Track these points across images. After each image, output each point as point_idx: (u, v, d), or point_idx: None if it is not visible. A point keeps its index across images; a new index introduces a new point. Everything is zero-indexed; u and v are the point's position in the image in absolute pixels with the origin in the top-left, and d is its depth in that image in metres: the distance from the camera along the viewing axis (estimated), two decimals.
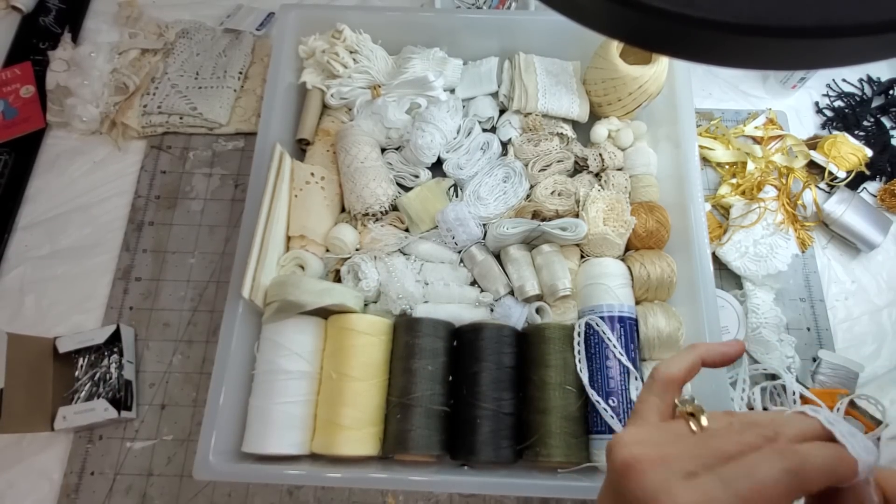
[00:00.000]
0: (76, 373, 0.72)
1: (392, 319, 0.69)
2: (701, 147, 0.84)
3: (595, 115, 0.83)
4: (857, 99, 0.91)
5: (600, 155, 0.78)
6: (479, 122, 0.83)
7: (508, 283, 0.73)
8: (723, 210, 0.84)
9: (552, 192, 0.77)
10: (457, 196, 0.80)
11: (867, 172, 0.85)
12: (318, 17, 0.83)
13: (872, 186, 0.86)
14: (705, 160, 0.86)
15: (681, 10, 0.18)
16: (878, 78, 0.92)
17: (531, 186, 0.78)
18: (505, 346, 0.66)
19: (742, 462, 0.27)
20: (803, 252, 0.80)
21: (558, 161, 0.79)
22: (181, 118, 0.87)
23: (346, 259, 0.73)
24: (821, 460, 0.27)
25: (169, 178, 0.86)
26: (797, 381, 0.73)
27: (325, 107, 0.85)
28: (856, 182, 0.85)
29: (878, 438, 0.67)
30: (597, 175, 0.79)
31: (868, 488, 0.28)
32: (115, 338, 0.72)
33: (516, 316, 0.71)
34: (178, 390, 0.74)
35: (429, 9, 0.94)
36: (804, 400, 0.69)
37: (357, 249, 0.75)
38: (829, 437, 0.28)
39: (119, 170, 0.86)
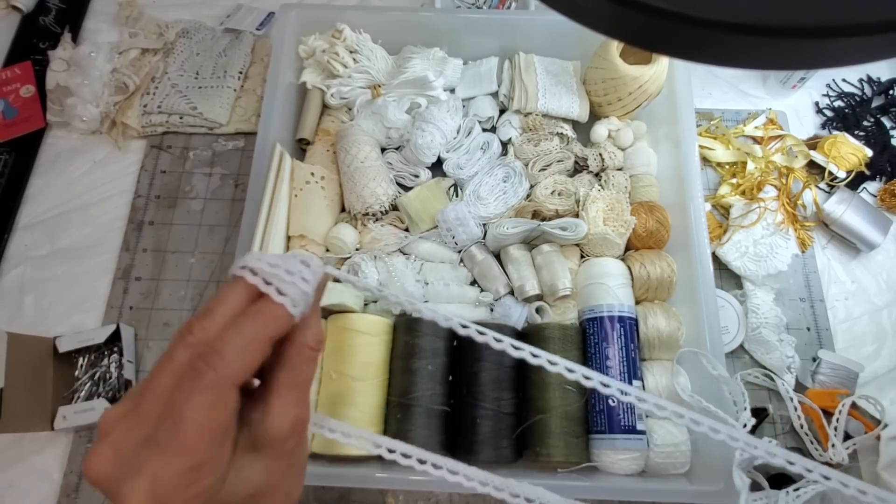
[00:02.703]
0: (76, 372, 0.72)
1: (392, 319, 0.69)
2: (701, 147, 0.85)
3: (595, 115, 0.83)
4: (857, 99, 0.91)
5: (600, 155, 0.78)
6: (479, 122, 0.83)
7: (508, 283, 0.73)
8: (723, 210, 0.84)
9: (552, 192, 0.77)
10: (457, 196, 0.80)
11: (867, 172, 0.85)
12: (318, 16, 0.83)
13: (872, 186, 0.86)
14: (705, 160, 0.86)
15: (681, 10, 0.18)
16: (878, 78, 0.92)
17: (531, 186, 0.78)
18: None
19: (168, 414, 0.25)
20: (803, 252, 0.80)
21: (558, 161, 0.79)
22: (181, 118, 0.87)
23: (346, 259, 0.73)
24: (245, 343, 0.26)
25: (169, 177, 0.86)
26: (797, 380, 0.73)
27: (325, 107, 0.85)
28: (856, 182, 0.85)
29: (878, 438, 0.68)
30: (597, 175, 0.79)
31: (306, 320, 0.29)
32: (115, 337, 0.72)
33: (516, 316, 0.71)
34: None
35: (429, 9, 0.94)
36: (802, 404, 0.69)
37: (357, 249, 0.75)
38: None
39: (119, 169, 0.86)
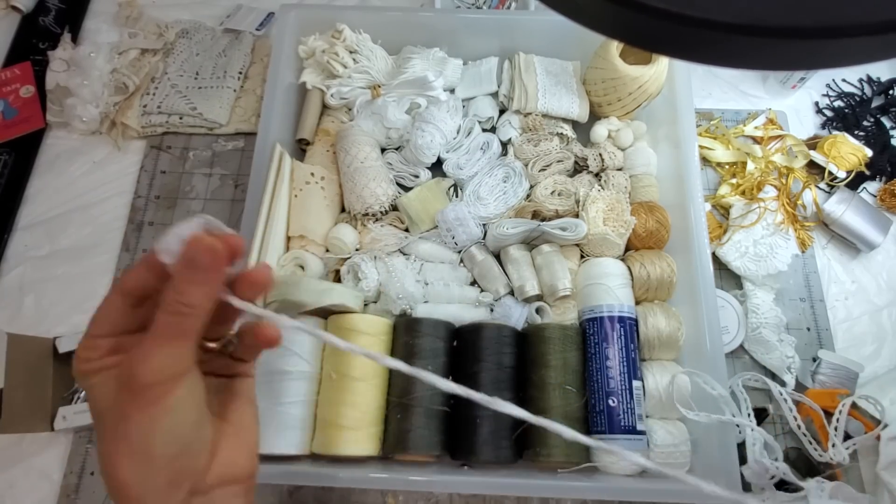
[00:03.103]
0: None
1: (392, 319, 0.69)
2: (701, 147, 0.85)
3: (595, 115, 0.83)
4: (857, 99, 0.91)
5: (600, 155, 0.78)
6: (479, 122, 0.83)
7: (508, 283, 0.73)
8: (723, 210, 0.84)
9: (552, 192, 0.77)
10: (457, 196, 0.80)
11: (867, 172, 0.85)
12: (318, 17, 0.83)
13: (872, 186, 0.86)
14: (705, 160, 0.86)
15: (681, 10, 0.18)
16: (878, 78, 0.92)
17: (531, 186, 0.78)
18: (505, 347, 0.66)
19: None
20: (803, 252, 0.80)
21: (558, 161, 0.79)
22: (181, 118, 0.87)
23: (346, 259, 0.73)
24: (129, 271, 0.31)
25: (169, 178, 0.86)
26: (797, 380, 0.73)
27: (325, 107, 0.85)
28: (856, 182, 0.85)
29: (878, 438, 0.68)
30: (597, 175, 0.79)
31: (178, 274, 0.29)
32: None
33: (516, 316, 0.71)
34: None
35: (429, 9, 0.94)
36: (799, 405, 0.69)
37: (357, 249, 0.75)
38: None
39: (119, 170, 0.86)
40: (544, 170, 0.79)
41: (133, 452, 0.28)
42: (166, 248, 0.29)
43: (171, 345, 0.29)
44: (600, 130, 0.81)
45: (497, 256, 0.76)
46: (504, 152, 0.82)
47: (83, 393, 0.71)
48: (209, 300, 0.29)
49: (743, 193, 0.83)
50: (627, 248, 0.75)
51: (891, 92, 0.91)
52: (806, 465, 0.68)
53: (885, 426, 0.67)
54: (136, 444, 0.28)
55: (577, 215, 0.74)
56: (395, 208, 0.78)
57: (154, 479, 0.29)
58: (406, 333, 0.66)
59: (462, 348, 0.67)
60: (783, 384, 0.71)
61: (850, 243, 0.82)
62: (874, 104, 0.91)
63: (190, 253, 0.29)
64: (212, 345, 0.34)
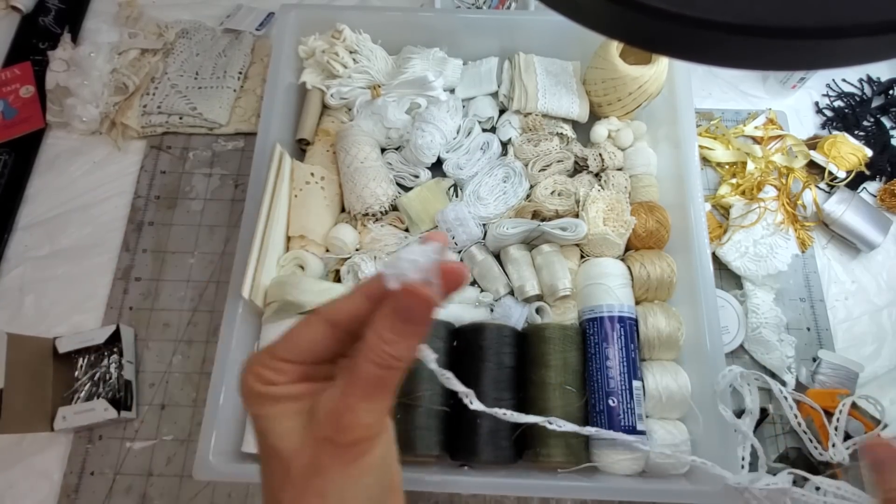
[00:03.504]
0: (76, 373, 0.72)
1: None
2: (701, 147, 0.84)
3: (595, 115, 0.83)
4: (857, 99, 0.91)
5: (600, 155, 0.78)
6: (479, 122, 0.83)
7: (508, 283, 0.73)
8: (723, 210, 0.84)
9: (552, 192, 0.77)
10: (457, 196, 0.80)
11: (867, 172, 0.85)
12: (318, 17, 0.83)
13: (872, 186, 0.86)
14: (705, 160, 0.86)
15: (681, 10, 0.18)
16: (878, 78, 0.92)
17: (531, 186, 0.78)
18: (505, 346, 0.66)
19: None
20: (803, 252, 0.80)
21: (558, 161, 0.79)
22: (181, 118, 0.87)
23: (346, 259, 0.73)
24: (348, 292, 0.29)
25: (169, 178, 0.86)
26: (797, 380, 0.73)
27: (325, 107, 0.85)
28: (856, 182, 0.85)
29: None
30: (597, 175, 0.79)
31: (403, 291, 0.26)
32: (115, 338, 0.72)
33: (516, 316, 0.71)
34: (178, 390, 0.74)
35: (429, 9, 0.94)
36: (799, 404, 0.69)
37: (357, 249, 0.75)
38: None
39: (119, 170, 0.86)
40: (544, 170, 0.79)
41: None
42: (398, 275, 0.26)
43: (378, 399, 0.26)
44: (600, 130, 0.81)
45: (497, 256, 0.76)
46: (504, 152, 0.82)
47: (83, 393, 0.71)
48: (414, 354, 0.27)
49: (743, 193, 0.83)
50: (627, 248, 0.75)
51: (891, 92, 0.91)
52: (806, 465, 0.68)
53: (885, 426, 0.67)
54: (330, 503, 0.26)
55: (577, 215, 0.74)
56: (395, 208, 0.78)
57: None
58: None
59: (462, 348, 0.67)
60: (783, 384, 0.71)
61: (850, 243, 0.82)
62: (874, 104, 0.91)
63: (407, 304, 0.26)
64: None
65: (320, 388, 0.27)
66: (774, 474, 0.64)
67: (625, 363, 0.65)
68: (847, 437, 0.68)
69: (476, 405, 0.36)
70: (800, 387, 0.73)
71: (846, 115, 0.90)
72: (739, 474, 0.59)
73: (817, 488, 0.62)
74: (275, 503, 0.27)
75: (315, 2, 0.93)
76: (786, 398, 0.69)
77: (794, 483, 0.62)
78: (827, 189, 0.84)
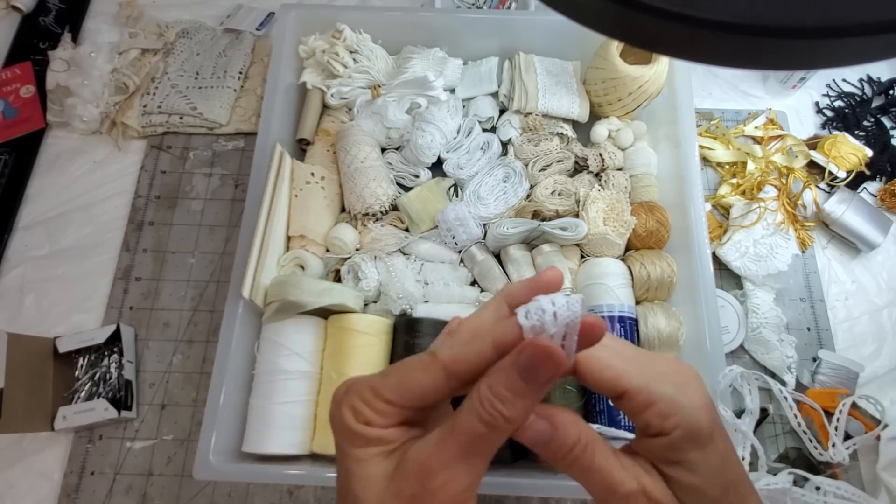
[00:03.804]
0: (76, 373, 0.72)
1: (392, 319, 0.69)
2: (701, 147, 0.84)
3: (595, 115, 0.83)
4: (857, 99, 0.91)
5: (600, 155, 0.78)
6: (479, 122, 0.83)
7: (509, 283, 0.73)
8: (723, 210, 0.84)
9: (552, 192, 0.77)
10: (457, 196, 0.80)
11: (867, 172, 0.85)
12: (318, 17, 0.83)
13: (872, 186, 0.86)
14: (705, 160, 0.86)
15: (681, 10, 0.18)
16: (878, 78, 0.92)
17: (531, 186, 0.78)
18: None
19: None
20: (803, 252, 0.80)
21: (558, 161, 0.79)
22: (181, 118, 0.87)
23: (346, 259, 0.73)
24: (468, 327, 0.26)
25: (169, 178, 0.86)
26: (797, 380, 0.73)
27: (325, 107, 0.85)
28: (856, 182, 0.85)
29: (878, 438, 0.68)
30: (597, 175, 0.79)
31: (540, 341, 0.23)
32: (115, 338, 0.72)
33: None
34: (178, 390, 0.74)
35: (429, 9, 0.94)
36: (799, 404, 0.69)
37: (357, 249, 0.75)
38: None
39: (119, 170, 0.86)
40: (544, 170, 0.79)
41: None
42: (537, 327, 0.23)
43: (475, 461, 0.23)
44: (600, 130, 0.81)
45: (497, 256, 0.76)
46: (504, 152, 0.82)
47: (83, 393, 0.71)
48: (528, 415, 0.24)
49: (743, 193, 0.83)
50: (627, 248, 0.75)
51: (891, 92, 0.91)
52: (806, 465, 0.68)
53: (885, 426, 0.67)
54: None
55: (577, 215, 0.74)
56: (395, 208, 0.78)
57: None
58: (406, 333, 0.66)
59: None
60: (783, 384, 0.71)
61: (851, 243, 0.82)
62: (874, 104, 0.91)
63: (533, 361, 0.23)
64: None
65: (418, 434, 0.25)
66: (774, 474, 0.64)
67: None
68: (847, 437, 0.68)
69: None
70: (800, 387, 0.73)
71: (846, 115, 0.89)
72: None
73: (817, 488, 0.62)
74: None
75: (315, 2, 0.93)
76: (786, 398, 0.69)
77: (795, 483, 0.62)
78: (827, 189, 0.84)
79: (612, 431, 0.61)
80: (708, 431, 0.25)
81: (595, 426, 0.60)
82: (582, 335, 0.24)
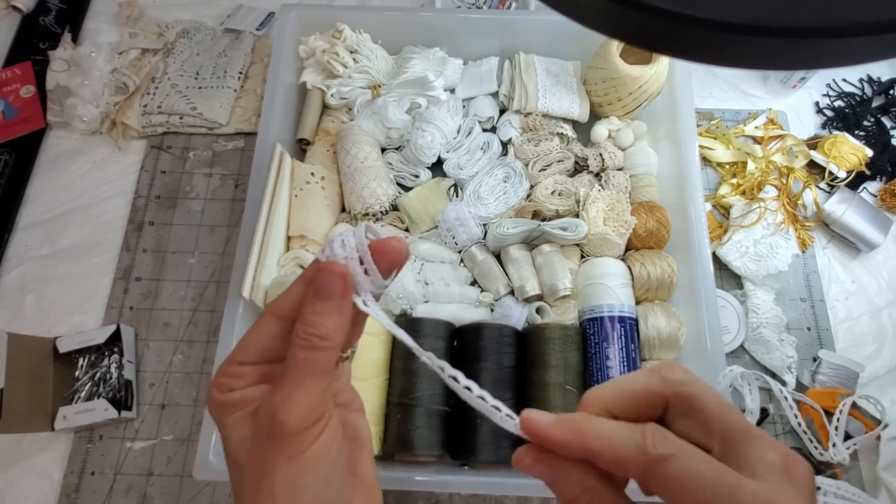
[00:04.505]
0: (76, 373, 0.72)
1: (392, 319, 0.69)
2: (701, 147, 0.84)
3: (595, 115, 0.83)
4: (858, 99, 0.91)
5: (600, 155, 0.78)
6: (480, 122, 0.83)
7: (508, 283, 0.73)
8: (723, 210, 0.84)
9: (552, 192, 0.77)
10: (457, 196, 0.80)
11: (867, 172, 0.85)
12: (318, 17, 0.83)
13: (873, 186, 0.86)
14: (705, 160, 0.86)
15: (681, 10, 0.18)
16: (879, 78, 0.92)
17: (531, 186, 0.78)
18: (505, 346, 0.66)
19: None
20: (803, 252, 0.80)
21: (558, 161, 0.79)
22: (181, 118, 0.87)
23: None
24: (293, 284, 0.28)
25: (169, 178, 0.86)
26: (797, 380, 0.73)
27: (325, 107, 0.85)
28: (856, 182, 0.85)
29: (878, 438, 0.67)
30: (597, 175, 0.79)
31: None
32: (116, 338, 0.72)
33: (516, 316, 0.71)
34: (178, 390, 0.74)
35: (429, 9, 0.94)
36: (799, 404, 0.69)
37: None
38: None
39: (119, 170, 0.86)
40: (544, 170, 0.79)
41: None
42: (327, 255, 0.27)
43: (311, 384, 0.26)
44: (600, 130, 0.81)
45: (497, 256, 0.76)
46: (504, 152, 0.82)
47: (83, 393, 0.71)
48: (342, 331, 0.27)
49: (743, 193, 0.83)
50: (628, 248, 0.75)
51: (891, 92, 0.91)
52: None
53: (886, 426, 0.67)
54: (280, 502, 0.25)
55: (577, 215, 0.74)
56: (395, 208, 0.78)
57: None
58: (406, 333, 0.66)
59: (462, 348, 0.67)
60: (783, 384, 0.71)
61: (851, 243, 0.82)
62: (874, 104, 0.91)
63: (322, 280, 0.26)
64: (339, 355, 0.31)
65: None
66: None
67: (625, 363, 0.65)
68: (847, 437, 0.68)
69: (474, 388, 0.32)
70: (800, 387, 0.73)
71: (846, 115, 0.89)
72: None
73: (817, 488, 0.62)
74: None
75: (315, 2, 0.93)
76: (786, 398, 0.69)
77: None
78: (827, 189, 0.84)
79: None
80: None
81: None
82: (379, 256, 0.28)
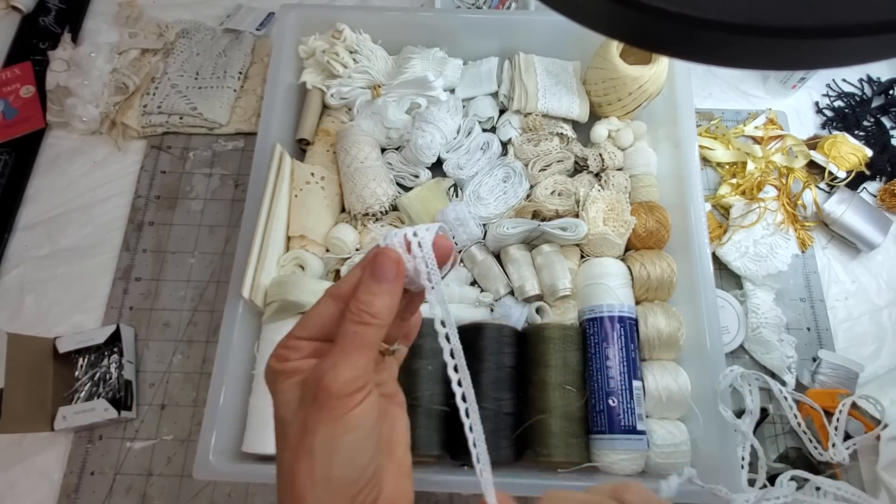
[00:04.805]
0: (76, 373, 0.72)
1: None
2: (701, 147, 0.84)
3: (595, 115, 0.83)
4: (857, 99, 0.91)
5: (600, 155, 0.78)
6: (479, 122, 0.83)
7: (508, 283, 0.73)
8: (723, 210, 0.84)
9: (552, 192, 0.77)
10: (457, 196, 0.80)
11: (867, 172, 0.85)
12: (318, 17, 0.83)
13: (872, 186, 0.86)
14: (705, 160, 0.86)
15: (681, 10, 0.18)
16: (878, 78, 0.92)
17: (531, 186, 0.78)
18: (505, 346, 0.66)
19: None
20: (803, 252, 0.80)
21: (558, 161, 0.79)
22: (181, 118, 0.87)
23: (346, 259, 0.73)
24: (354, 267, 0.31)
25: (169, 178, 0.86)
26: (797, 380, 0.73)
27: (325, 107, 0.85)
28: (856, 182, 0.85)
29: (878, 438, 0.68)
30: (597, 175, 0.79)
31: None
32: (115, 338, 0.72)
33: (516, 316, 0.71)
34: (178, 390, 0.74)
35: (429, 9, 0.94)
36: (799, 404, 0.69)
37: (357, 249, 0.75)
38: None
39: (119, 170, 0.86)
40: (544, 170, 0.79)
41: (315, 468, 0.27)
42: (386, 244, 0.30)
43: (357, 355, 0.28)
44: (600, 130, 0.81)
45: (497, 256, 0.76)
46: (504, 152, 0.82)
47: (83, 393, 0.71)
48: (391, 311, 0.30)
49: (743, 193, 0.83)
50: (627, 248, 0.75)
51: (891, 92, 0.91)
52: (806, 465, 0.68)
53: (885, 426, 0.67)
54: (318, 460, 0.27)
55: (577, 215, 0.74)
56: (395, 208, 0.78)
57: (331, 501, 0.28)
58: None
59: (462, 348, 0.67)
60: (783, 384, 0.71)
61: (851, 243, 0.82)
62: (874, 104, 0.91)
63: (377, 263, 0.29)
64: (385, 347, 0.34)
65: None
66: (775, 475, 0.64)
67: (625, 363, 0.65)
68: (847, 437, 0.68)
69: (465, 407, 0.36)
70: (800, 387, 0.73)
71: (846, 115, 0.90)
72: (746, 491, 0.59)
73: (817, 488, 0.62)
74: (280, 465, 0.29)
75: (315, 2, 0.93)
76: (786, 398, 0.69)
77: (798, 487, 0.62)
78: (827, 189, 0.84)
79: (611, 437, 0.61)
80: None
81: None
82: (437, 252, 0.30)
